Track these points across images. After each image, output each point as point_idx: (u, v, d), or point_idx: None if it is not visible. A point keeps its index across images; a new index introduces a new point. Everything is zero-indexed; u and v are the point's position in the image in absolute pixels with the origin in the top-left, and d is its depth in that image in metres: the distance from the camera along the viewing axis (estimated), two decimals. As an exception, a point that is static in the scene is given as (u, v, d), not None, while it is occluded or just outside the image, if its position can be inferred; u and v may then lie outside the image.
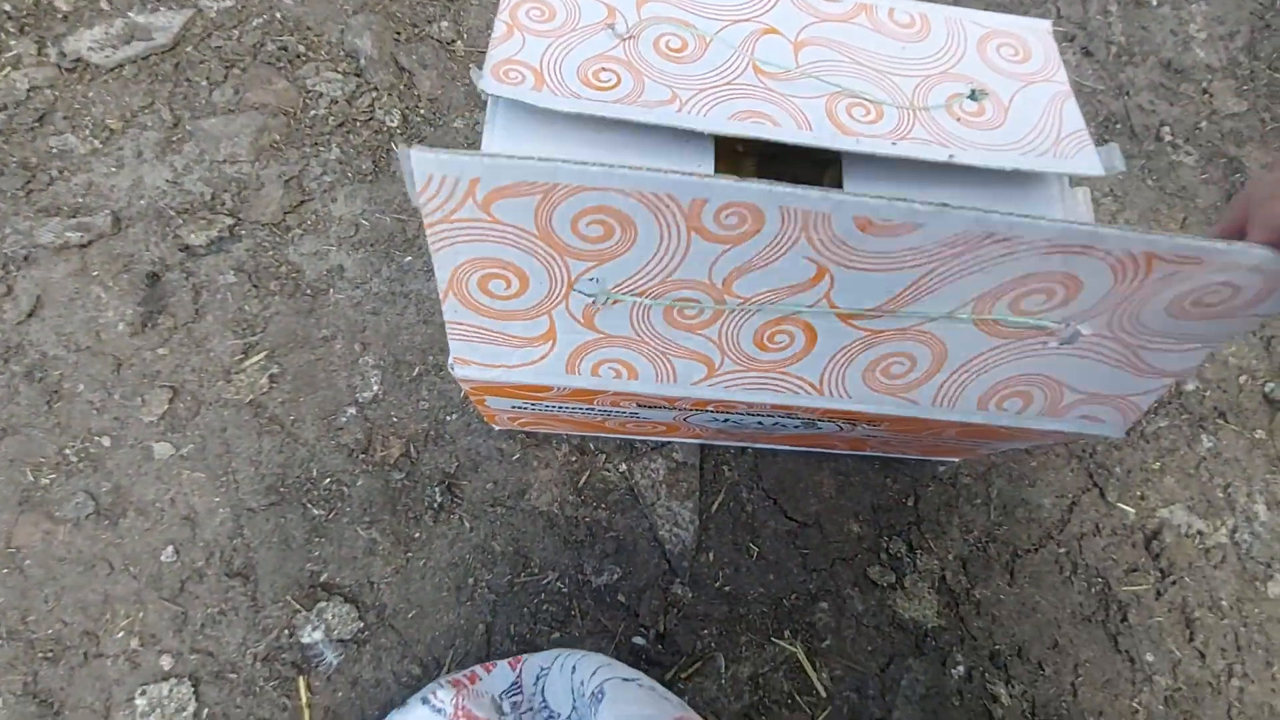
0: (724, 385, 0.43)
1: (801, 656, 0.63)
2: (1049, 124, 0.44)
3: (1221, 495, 0.74)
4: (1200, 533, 0.73)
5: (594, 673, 0.51)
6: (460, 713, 0.48)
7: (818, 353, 0.40)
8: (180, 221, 0.72)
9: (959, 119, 0.44)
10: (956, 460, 0.71)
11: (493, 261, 0.35)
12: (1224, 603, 0.70)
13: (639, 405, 0.49)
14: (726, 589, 0.64)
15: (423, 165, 0.31)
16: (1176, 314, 0.36)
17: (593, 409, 0.52)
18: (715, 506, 0.67)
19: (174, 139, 0.77)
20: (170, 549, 0.60)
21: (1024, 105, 0.45)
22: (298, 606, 0.59)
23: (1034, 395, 0.42)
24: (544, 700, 0.54)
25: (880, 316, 0.38)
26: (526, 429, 0.65)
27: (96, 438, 0.63)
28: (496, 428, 0.66)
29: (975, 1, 0.80)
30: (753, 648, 0.63)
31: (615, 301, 0.37)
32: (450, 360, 0.43)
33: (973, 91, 0.45)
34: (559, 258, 0.35)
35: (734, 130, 0.40)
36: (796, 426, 0.52)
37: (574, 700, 0.52)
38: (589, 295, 0.37)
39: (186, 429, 0.64)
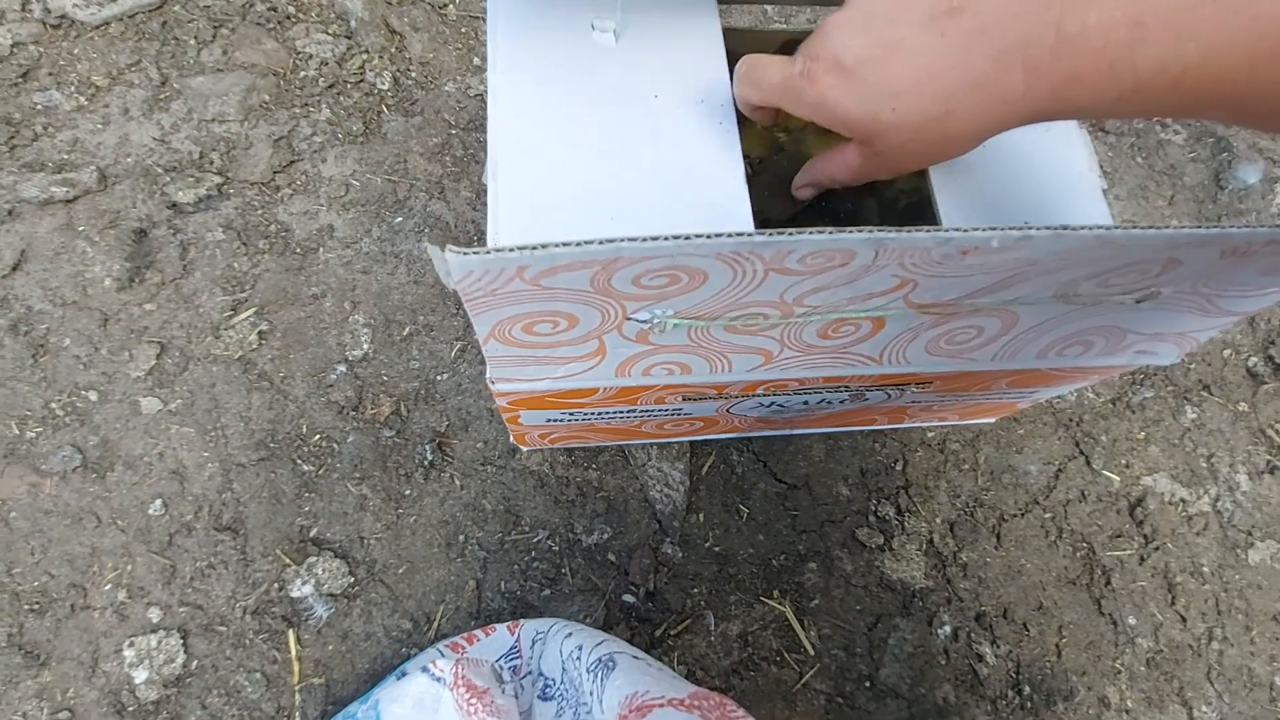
0: (780, 368, 0.42)
1: (790, 615, 0.63)
2: None
3: (1205, 465, 0.75)
4: (1183, 501, 0.74)
5: (598, 644, 0.50)
6: (460, 682, 0.46)
7: (882, 335, 0.39)
8: (168, 179, 0.71)
9: None
10: (946, 424, 0.72)
11: (541, 314, 0.33)
12: (1205, 569, 0.71)
13: (685, 399, 0.48)
14: (716, 549, 0.65)
15: (462, 267, 0.27)
16: (1270, 272, 0.34)
17: (634, 410, 0.50)
18: (705, 468, 0.67)
19: (161, 97, 0.76)
20: (159, 502, 0.60)
21: None
22: (288, 561, 0.59)
23: (1095, 342, 0.42)
24: (539, 667, 0.54)
25: (959, 308, 0.36)
26: (556, 445, 0.64)
27: (83, 392, 0.62)
28: (524, 449, 0.65)
29: None
30: (742, 606, 0.63)
31: (674, 326, 0.35)
32: (489, 377, 0.41)
33: None
34: (616, 302, 0.33)
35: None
36: (843, 401, 0.52)
37: (563, 666, 0.52)
38: (645, 323, 0.35)
39: (175, 384, 0.63)
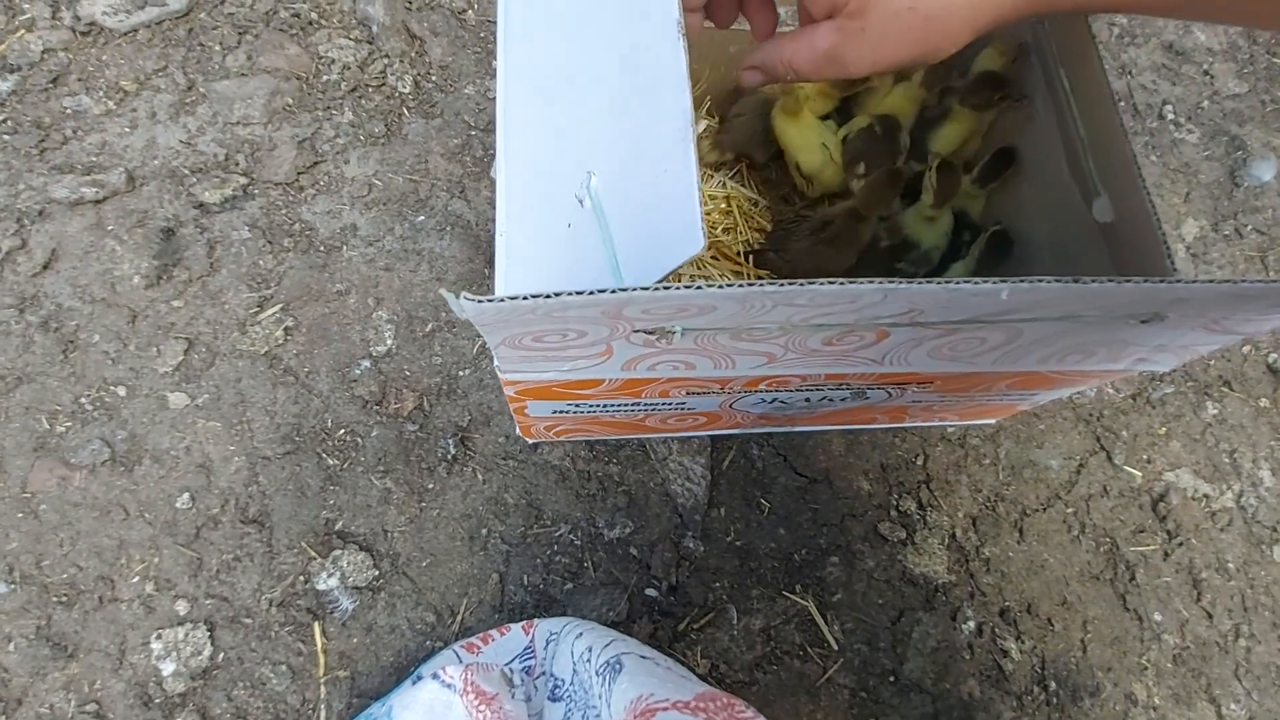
0: (783, 367, 0.42)
1: (813, 610, 0.63)
2: None
3: (1227, 461, 0.75)
4: (1206, 496, 0.73)
5: (607, 644, 0.50)
6: (469, 688, 0.46)
7: (886, 344, 0.39)
8: (194, 180, 0.72)
9: None
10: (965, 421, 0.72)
11: (551, 330, 0.34)
12: (1230, 565, 0.71)
13: (689, 394, 0.48)
14: (738, 543, 0.65)
15: (477, 312, 0.28)
16: (1277, 305, 0.34)
17: (639, 404, 0.51)
18: (726, 463, 0.67)
19: (187, 101, 0.77)
20: (186, 496, 0.60)
21: None
22: (313, 554, 0.60)
23: (1097, 351, 0.42)
24: (551, 667, 0.54)
25: (965, 326, 0.36)
26: (562, 438, 0.64)
27: (112, 387, 0.63)
28: (530, 440, 0.65)
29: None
30: (764, 601, 0.63)
31: (681, 337, 0.36)
32: (497, 367, 0.41)
33: None
34: (625, 323, 0.33)
35: None
36: (844, 399, 0.52)
37: (574, 667, 0.52)
38: (653, 333, 0.35)
39: (201, 379, 0.64)
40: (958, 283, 0.28)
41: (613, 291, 0.27)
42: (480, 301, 0.27)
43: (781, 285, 0.28)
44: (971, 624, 0.65)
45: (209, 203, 0.71)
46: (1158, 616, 0.68)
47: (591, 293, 0.27)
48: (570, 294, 0.27)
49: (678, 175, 0.31)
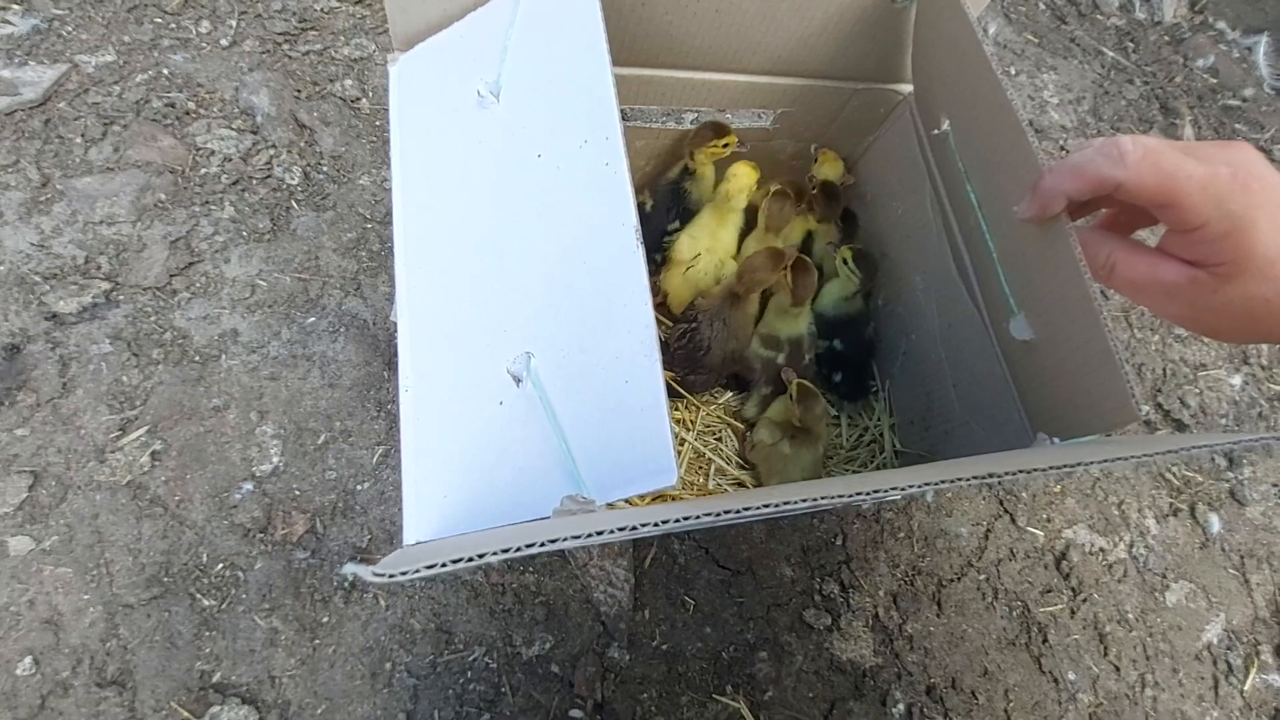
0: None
1: (745, 712, 0.61)
2: None
3: (1117, 513, 0.79)
4: (1102, 550, 0.77)
5: None
6: None
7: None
8: (47, 287, 0.65)
9: None
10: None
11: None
12: (1130, 615, 0.74)
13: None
14: (664, 647, 0.62)
15: (382, 581, 0.28)
16: None
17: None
18: (648, 560, 0.65)
19: (42, 199, 0.70)
20: (28, 660, 0.52)
21: None
22: (185, 713, 0.52)
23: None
24: None
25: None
26: None
27: (-66, 537, 0.55)
28: None
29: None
30: (694, 707, 0.60)
31: None
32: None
33: None
34: None
35: None
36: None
37: None
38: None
39: (50, 518, 0.56)
40: (883, 491, 0.28)
41: (526, 547, 0.27)
42: (390, 576, 0.26)
43: (685, 519, 0.28)
44: (901, 706, 0.64)
45: (64, 313, 0.64)
46: (1071, 676, 0.70)
47: (509, 550, 0.27)
48: (494, 553, 0.27)
49: (644, 391, 0.31)
